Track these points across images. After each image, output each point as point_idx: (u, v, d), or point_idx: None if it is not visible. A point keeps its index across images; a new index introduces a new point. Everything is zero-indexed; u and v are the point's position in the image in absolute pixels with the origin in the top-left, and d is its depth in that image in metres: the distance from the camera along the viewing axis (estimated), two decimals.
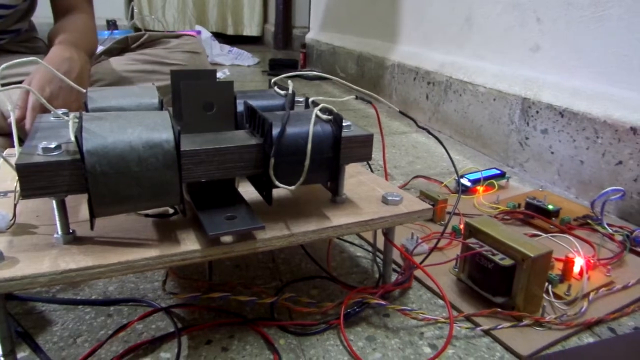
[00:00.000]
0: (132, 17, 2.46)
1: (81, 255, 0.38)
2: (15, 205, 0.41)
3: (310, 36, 2.37)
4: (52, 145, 0.37)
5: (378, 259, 0.62)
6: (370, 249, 0.65)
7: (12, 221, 0.41)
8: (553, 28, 0.91)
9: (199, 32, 2.38)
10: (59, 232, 0.40)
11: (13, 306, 0.51)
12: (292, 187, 0.42)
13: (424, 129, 0.62)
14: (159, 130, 0.38)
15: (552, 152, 0.89)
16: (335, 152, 0.44)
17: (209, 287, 0.54)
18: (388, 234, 0.52)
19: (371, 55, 1.68)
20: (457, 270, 0.57)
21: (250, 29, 3.54)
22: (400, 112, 0.61)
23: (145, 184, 0.37)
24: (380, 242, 0.61)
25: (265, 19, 3.57)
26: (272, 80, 0.57)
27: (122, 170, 0.36)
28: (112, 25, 2.10)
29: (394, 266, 0.60)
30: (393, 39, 1.56)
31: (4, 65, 0.44)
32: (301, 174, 0.42)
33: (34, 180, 0.36)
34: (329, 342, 0.47)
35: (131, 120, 0.39)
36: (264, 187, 0.44)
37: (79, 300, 0.52)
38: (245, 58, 2.53)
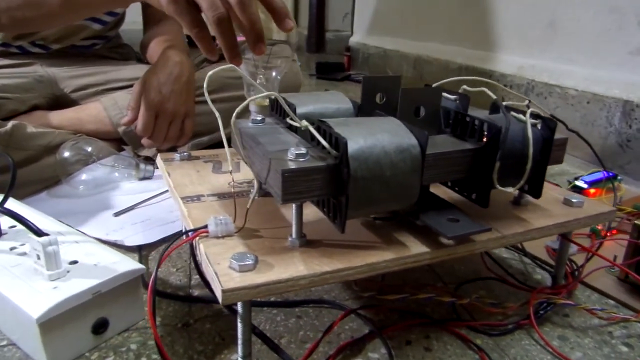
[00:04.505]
0: None
1: (324, 258, 0.39)
2: (247, 210, 0.42)
3: (355, 39, 2.39)
4: (303, 151, 0.38)
5: (526, 259, 0.63)
6: (512, 249, 0.66)
7: (242, 225, 0.43)
8: None
9: None
10: (294, 236, 0.41)
11: (199, 308, 0.52)
12: (513, 189, 0.43)
13: (574, 132, 0.63)
14: (401, 135, 0.39)
15: None
16: (544, 155, 0.45)
17: (381, 288, 0.55)
18: (566, 234, 0.53)
19: (432, 58, 1.69)
20: (613, 271, 0.58)
21: (279, 33, 3.56)
22: (552, 115, 0.62)
23: (392, 187, 0.38)
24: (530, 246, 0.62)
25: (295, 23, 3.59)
26: (434, 85, 0.58)
27: (377, 174, 0.37)
28: None
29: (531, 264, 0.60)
30: (458, 42, 1.57)
31: (210, 73, 0.45)
32: (520, 176, 0.43)
33: (294, 185, 0.37)
34: (524, 342, 0.48)
35: (372, 127, 0.40)
36: (477, 190, 0.45)
37: (262, 302, 0.53)
38: None
